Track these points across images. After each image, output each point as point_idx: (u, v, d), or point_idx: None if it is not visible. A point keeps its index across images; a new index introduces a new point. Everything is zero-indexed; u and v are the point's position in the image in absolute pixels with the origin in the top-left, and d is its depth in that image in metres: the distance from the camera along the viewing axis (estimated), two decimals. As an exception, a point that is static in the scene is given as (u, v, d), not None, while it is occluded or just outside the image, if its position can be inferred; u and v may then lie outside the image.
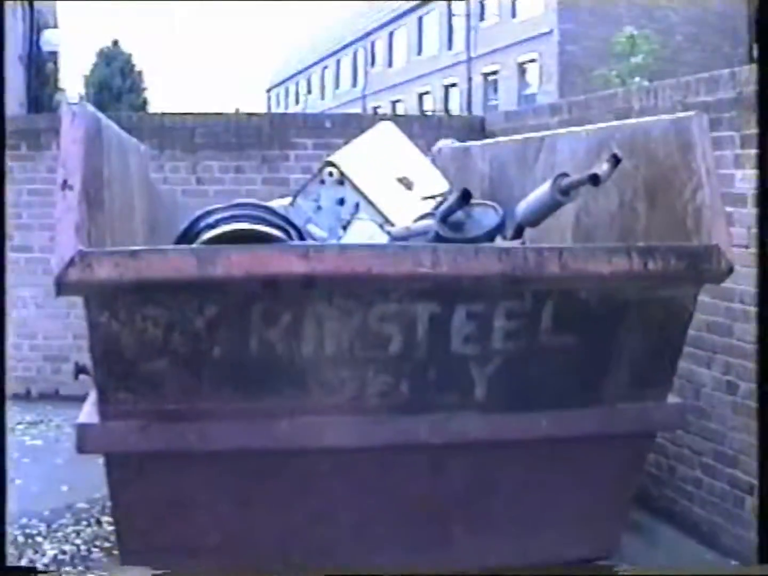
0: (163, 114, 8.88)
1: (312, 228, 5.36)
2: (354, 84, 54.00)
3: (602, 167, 3.98)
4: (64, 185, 3.19)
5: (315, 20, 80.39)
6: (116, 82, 39.99)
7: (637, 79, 23.70)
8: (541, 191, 4.33)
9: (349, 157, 5.67)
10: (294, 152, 8.74)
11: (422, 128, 8.48)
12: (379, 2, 49.06)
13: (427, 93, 43.92)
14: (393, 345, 3.45)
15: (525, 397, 3.71)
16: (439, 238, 3.93)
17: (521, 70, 35.01)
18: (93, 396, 3.61)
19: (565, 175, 4.26)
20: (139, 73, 41.63)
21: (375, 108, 46.83)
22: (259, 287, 3.20)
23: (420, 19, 44.85)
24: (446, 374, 3.57)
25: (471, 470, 3.77)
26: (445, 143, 6.99)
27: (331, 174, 5.52)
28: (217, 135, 8.58)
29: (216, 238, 3.30)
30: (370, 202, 5.56)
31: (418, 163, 6.20)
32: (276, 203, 6.30)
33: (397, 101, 46.31)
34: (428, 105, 43.12)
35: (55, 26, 25.27)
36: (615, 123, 4.71)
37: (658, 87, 5.72)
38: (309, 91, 62.34)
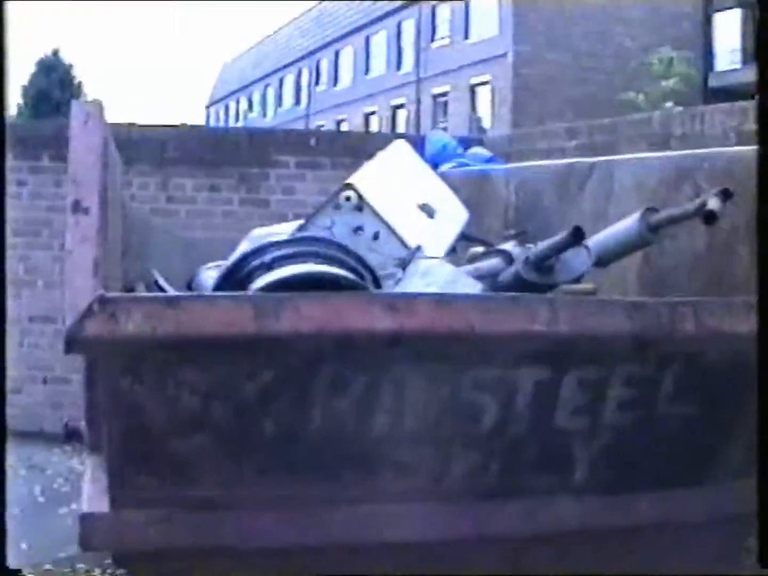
0: (131, 125, 8.10)
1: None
2: (297, 102, 53.33)
3: (711, 202, 3.31)
4: (77, 207, 2.44)
5: (257, 37, 79.67)
6: (55, 94, 38.94)
7: (669, 104, 22.22)
8: (622, 227, 3.65)
9: (368, 180, 4.95)
10: (275, 171, 8.04)
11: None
12: (326, 20, 48.54)
13: (373, 113, 43.34)
14: (486, 418, 2.74)
15: (628, 477, 3.04)
16: (520, 282, 3.21)
17: (473, 92, 34.52)
18: (97, 475, 2.84)
19: (653, 210, 3.59)
20: (79, 84, 40.63)
21: (319, 127, 46.19)
22: (331, 346, 2.47)
23: (367, 38, 44.31)
24: (544, 452, 2.88)
25: (558, 562, 3.09)
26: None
27: (348, 198, 4.79)
28: (191, 150, 7.84)
29: (277, 284, 2.55)
30: (392, 231, 4.84)
31: (436, 188, 5.49)
32: (279, 228, 5.57)
33: (342, 121, 45.65)
34: (374, 125, 42.53)
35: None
36: (701, 151, 4.06)
37: (706, 112, 5.10)
38: (250, 108, 61.53)
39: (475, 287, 3.07)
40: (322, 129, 42.38)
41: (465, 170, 6.17)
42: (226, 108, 66.76)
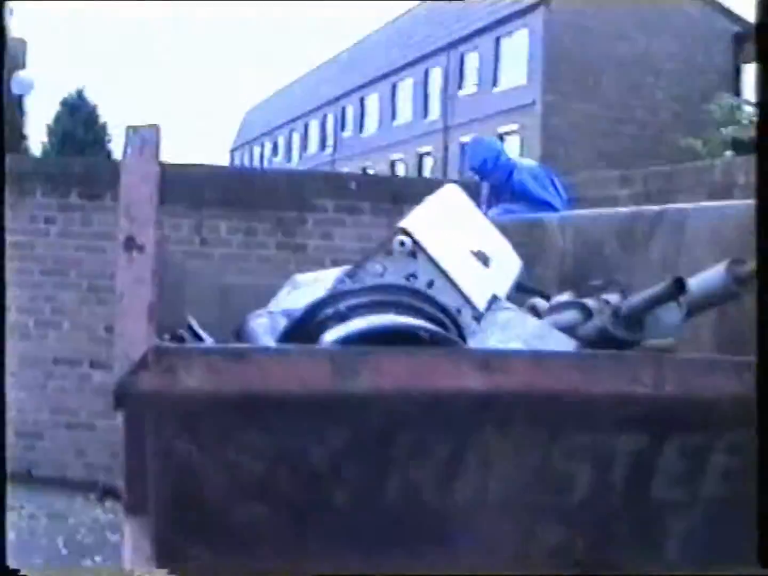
0: (164, 164, 7.87)
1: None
2: (323, 148, 53.44)
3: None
4: (131, 244, 2.16)
5: (282, 82, 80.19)
6: (79, 133, 39.09)
7: (728, 152, 21.17)
8: (705, 278, 3.36)
9: (422, 224, 4.67)
10: (313, 215, 7.81)
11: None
12: (352, 67, 48.66)
13: (399, 160, 43.30)
14: (577, 489, 2.44)
15: (725, 553, 2.73)
16: (605, 338, 2.91)
17: (501, 140, 34.35)
18: (140, 543, 2.54)
19: (740, 261, 3.29)
20: (103, 125, 40.77)
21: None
22: (414, 408, 2.18)
23: (394, 85, 44.36)
24: (637, 525, 2.57)
25: None
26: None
27: (402, 244, 4.51)
28: (227, 191, 7.62)
29: (355, 336, 2.25)
30: (450, 280, 4.56)
31: (490, 234, 5.21)
32: (323, 275, 5.29)
33: (367, 167, 45.61)
34: (400, 172, 42.45)
35: (24, 67, 24.23)
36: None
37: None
38: (275, 153, 61.71)
39: (568, 343, 2.77)
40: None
41: (515, 216, 5.89)
42: (251, 152, 66.98)
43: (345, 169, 45.88)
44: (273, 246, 7.69)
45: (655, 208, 4.58)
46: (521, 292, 5.04)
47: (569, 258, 5.28)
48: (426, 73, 40.76)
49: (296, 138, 58.27)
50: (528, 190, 6.51)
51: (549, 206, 6.41)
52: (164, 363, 2.02)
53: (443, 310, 2.59)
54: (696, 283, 3.40)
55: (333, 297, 2.56)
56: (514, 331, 2.85)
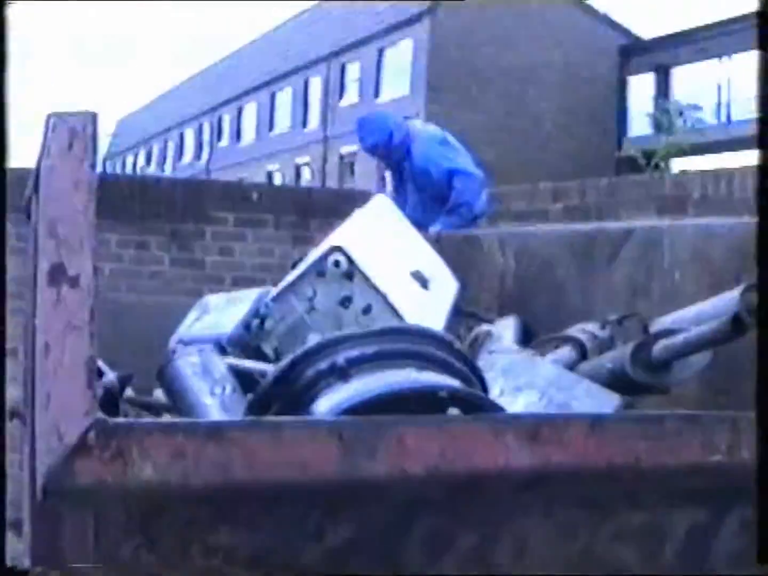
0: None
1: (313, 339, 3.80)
2: (198, 157, 52.36)
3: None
4: (59, 276, 1.59)
5: (156, 90, 78.79)
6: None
7: (674, 161, 20.86)
8: (710, 309, 2.89)
9: (357, 241, 4.13)
10: (211, 228, 7.18)
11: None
12: (230, 76, 47.80)
13: (276, 170, 42.57)
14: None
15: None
16: (621, 382, 2.42)
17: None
18: None
19: (754, 287, 2.83)
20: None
21: (221, 183, 45.09)
22: (438, 493, 1.66)
23: (273, 94, 43.64)
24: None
25: None
26: None
27: (337, 264, 3.97)
28: (116, 202, 6.93)
29: (369, 403, 1.68)
30: (389, 305, 4.04)
31: (424, 252, 4.71)
32: (238, 296, 4.72)
33: (243, 178, 44.73)
34: (277, 183, 41.72)
35: None
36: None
37: (736, 173, 4.45)
38: (148, 163, 60.33)
39: (609, 397, 2.26)
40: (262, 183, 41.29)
41: (449, 233, 5.41)
42: (123, 162, 65.39)
43: (221, 179, 44.91)
44: (167, 262, 7.05)
45: (621, 224, 4.16)
46: (459, 316, 4.55)
47: (511, 278, 4.81)
48: (306, 83, 40.13)
49: (171, 147, 57.00)
50: (431, 160, 5.85)
51: (464, 174, 5.82)
52: (112, 445, 1.46)
53: (464, 359, 2.03)
54: (699, 314, 2.94)
55: (326, 345, 1.94)
56: (522, 379, 2.32)
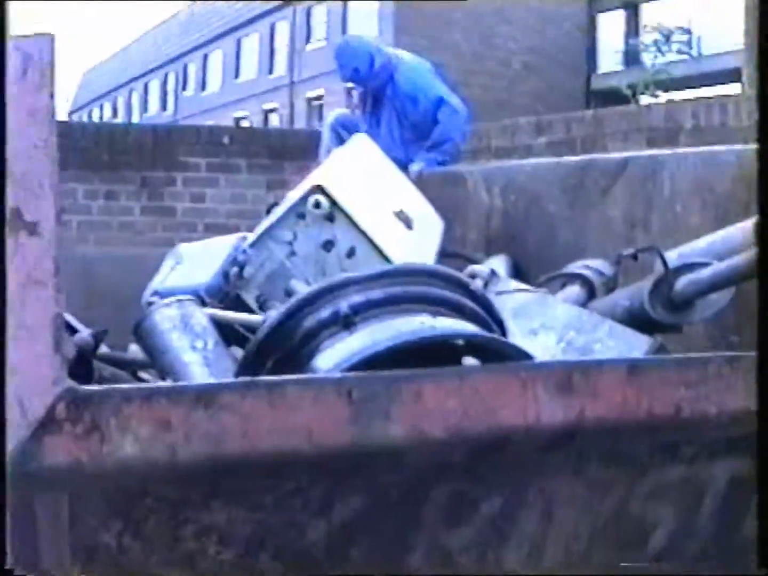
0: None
1: (297, 285, 3.60)
2: (164, 108, 51.66)
3: None
4: (14, 222, 1.37)
5: (121, 42, 77.63)
6: None
7: (658, 92, 19.87)
8: (718, 241, 2.68)
9: (339, 181, 3.91)
10: (182, 174, 6.94)
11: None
12: (195, 24, 47.04)
13: (244, 118, 42.01)
14: (658, 536, 1.76)
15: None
16: (639, 322, 2.21)
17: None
18: None
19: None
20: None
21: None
22: (459, 455, 1.46)
23: (238, 41, 42.98)
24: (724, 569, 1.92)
25: None
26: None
27: (318, 205, 3.75)
28: (84, 150, 6.67)
29: (380, 356, 1.46)
30: (374, 246, 3.83)
31: (408, 191, 4.51)
32: (213, 243, 4.50)
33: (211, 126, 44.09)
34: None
35: None
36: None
37: (729, 102, 4.25)
38: (114, 115, 59.53)
39: (637, 339, 2.06)
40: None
41: (429, 169, 5.18)
42: (90, 115, 64.48)
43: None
44: (137, 211, 6.82)
45: (615, 155, 3.96)
46: (445, 257, 4.36)
47: (498, 216, 4.62)
48: (272, 28, 39.48)
49: (136, 99, 56.21)
50: (419, 87, 5.50)
51: (450, 107, 5.48)
52: (85, 418, 1.25)
53: (481, 301, 1.80)
54: (708, 248, 2.73)
55: (326, 290, 1.70)
56: (536, 321, 2.11)
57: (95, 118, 62.96)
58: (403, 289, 1.69)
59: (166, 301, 2.73)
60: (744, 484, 1.80)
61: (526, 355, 1.63)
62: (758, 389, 1.81)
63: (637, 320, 2.26)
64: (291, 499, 1.41)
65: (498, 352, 1.58)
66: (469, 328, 1.66)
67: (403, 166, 5.00)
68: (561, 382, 1.44)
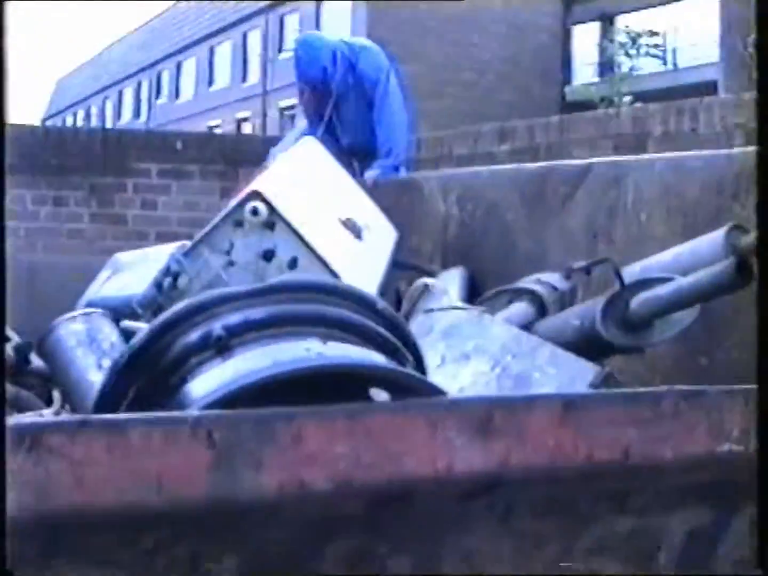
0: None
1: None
2: (137, 116, 51.37)
3: None
4: None
5: (94, 49, 77.29)
6: None
7: (627, 98, 18.87)
8: (685, 253, 2.43)
9: (279, 187, 3.66)
10: (133, 180, 6.70)
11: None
12: (168, 31, 46.77)
13: (217, 127, 41.74)
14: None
15: None
16: (588, 343, 1.96)
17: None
18: None
19: (739, 228, 2.34)
20: None
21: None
22: (358, 506, 1.20)
23: (212, 49, 42.71)
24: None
25: None
26: None
27: (256, 212, 3.49)
28: (32, 155, 6.42)
29: (254, 389, 1.18)
30: (317, 257, 3.57)
31: (358, 199, 4.26)
32: (152, 253, 4.24)
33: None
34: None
35: None
36: None
37: (700, 108, 4.04)
38: (88, 123, 59.18)
39: (581, 366, 1.81)
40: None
41: (383, 176, 4.95)
42: (63, 122, 64.07)
43: (162, 138, 43.89)
44: (86, 218, 6.58)
45: (577, 162, 3.73)
46: (399, 269, 4.14)
47: (454, 226, 4.38)
48: (245, 36, 39.22)
49: (110, 106, 55.88)
50: (382, 68, 5.33)
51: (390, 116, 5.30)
52: None
53: (392, 324, 1.52)
54: (674, 260, 2.48)
55: (199, 308, 1.40)
56: (469, 343, 1.84)
57: (69, 125, 62.59)
58: (290, 307, 1.40)
59: (70, 314, 2.46)
60: (704, 538, 1.56)
61: (436, 390, 1.36)
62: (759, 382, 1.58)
63: (588, 341, 2.00)
64: (153, 558, 1.14)
65: (406, 388, 1.31)
66: (370, 355, 1.39)
67: (387, 151, 4.92)
68: (480, 423, 1.18)
